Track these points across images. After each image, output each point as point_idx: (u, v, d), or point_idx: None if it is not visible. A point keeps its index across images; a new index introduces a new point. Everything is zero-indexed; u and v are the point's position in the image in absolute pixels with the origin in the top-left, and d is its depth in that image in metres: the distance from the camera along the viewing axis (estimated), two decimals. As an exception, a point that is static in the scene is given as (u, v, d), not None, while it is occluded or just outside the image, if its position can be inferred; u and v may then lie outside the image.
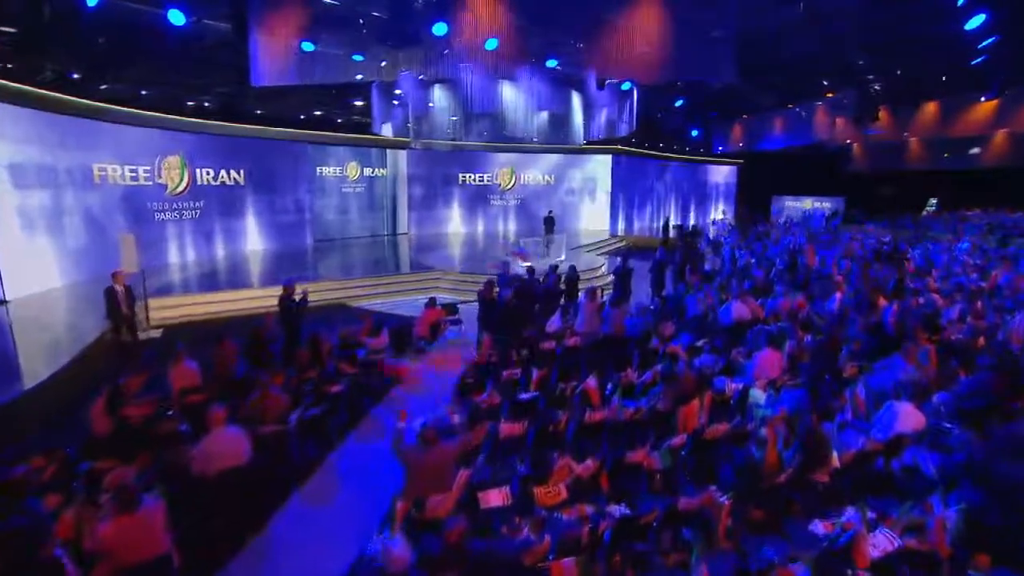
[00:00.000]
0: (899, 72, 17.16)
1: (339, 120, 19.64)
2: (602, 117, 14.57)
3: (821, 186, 29.57)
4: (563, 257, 16.29)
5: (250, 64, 8.49)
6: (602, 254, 20.09)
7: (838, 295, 9.63)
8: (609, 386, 6.40)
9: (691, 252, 13.70)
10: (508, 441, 5.10)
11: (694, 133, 24.38)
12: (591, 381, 6.08)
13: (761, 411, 5.60)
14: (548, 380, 6.68)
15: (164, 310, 10.68)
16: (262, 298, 11.94)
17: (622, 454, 4.60)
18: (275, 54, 8.46)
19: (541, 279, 9.72)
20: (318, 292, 12.52)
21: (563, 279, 10.18)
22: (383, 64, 10.62)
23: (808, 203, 31.15)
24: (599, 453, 4.66)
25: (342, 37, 9.94)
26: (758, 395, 5.77)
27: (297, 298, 8.21)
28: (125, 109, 12.92)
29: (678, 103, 17.29)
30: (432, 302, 8.88)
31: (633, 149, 24.71)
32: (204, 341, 9.96)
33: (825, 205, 30.42)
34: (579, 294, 10.12)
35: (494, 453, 4.91)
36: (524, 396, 5.77)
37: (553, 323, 8.21)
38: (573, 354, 7.44)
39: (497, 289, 8.20)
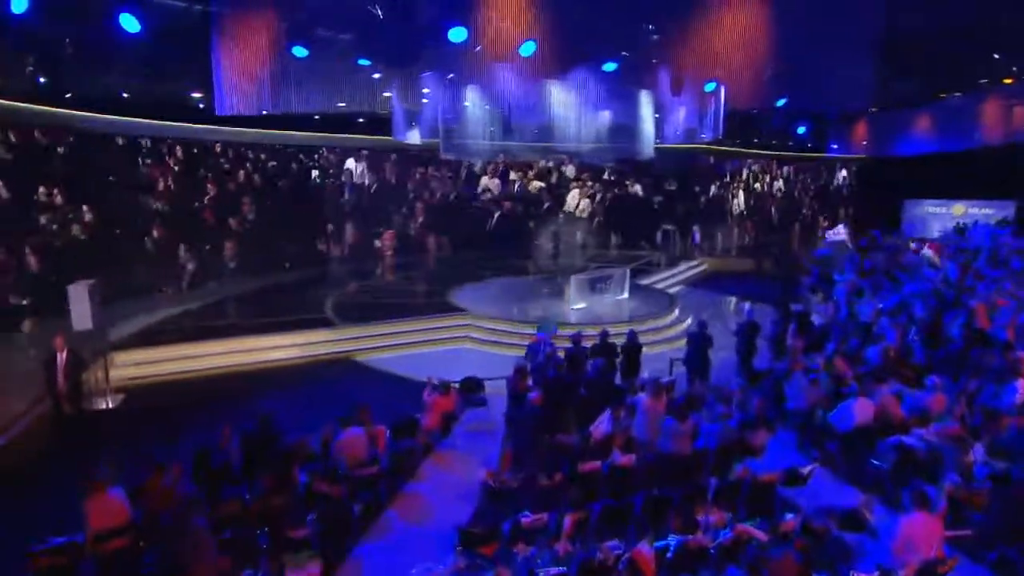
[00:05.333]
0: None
1: (360, 120, 19.40)
2: (679, 120, 13.40)
3: (980, 186, 24.14)
4: (626, 295, 15.17)
5: (213, 86, 8.00)
6: (675, 285, 18.70)
7: (1021, 385, 7.78)
8: (671, 546, 5.33)
9: (790, 299, 12.16)
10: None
11: (801, 130, 22.44)
12: (644, 548, 5.04)
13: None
14: (585, 528, 5.69)
15: (131, 368, 10.47)
16: (253, 351, 11.62)
17: None
18: (250, 66, 7.90)
19: (588, 350, 8.69)
20: (316, 346, 12.09)
21: (619, 349, 9.12)
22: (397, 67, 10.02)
23: (960, 208, 26.62)
24: None
25: (345, 37, 9.37)
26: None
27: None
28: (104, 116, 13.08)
29: (780, 102, 15.72)
30: (445, 387, 8.05)
31: (720, 148, 23.13)
32: (174, 410, 9.80)
33: (985, 211, 25.86)
34: (639, 373, 9.04)
35: None
36: (548, 573, 4.79)
37: (601, 424, 7.15)
38: (625, 480, 6.38)
39: (528, 382, 7.26)
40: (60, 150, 14.17)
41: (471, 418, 8.87)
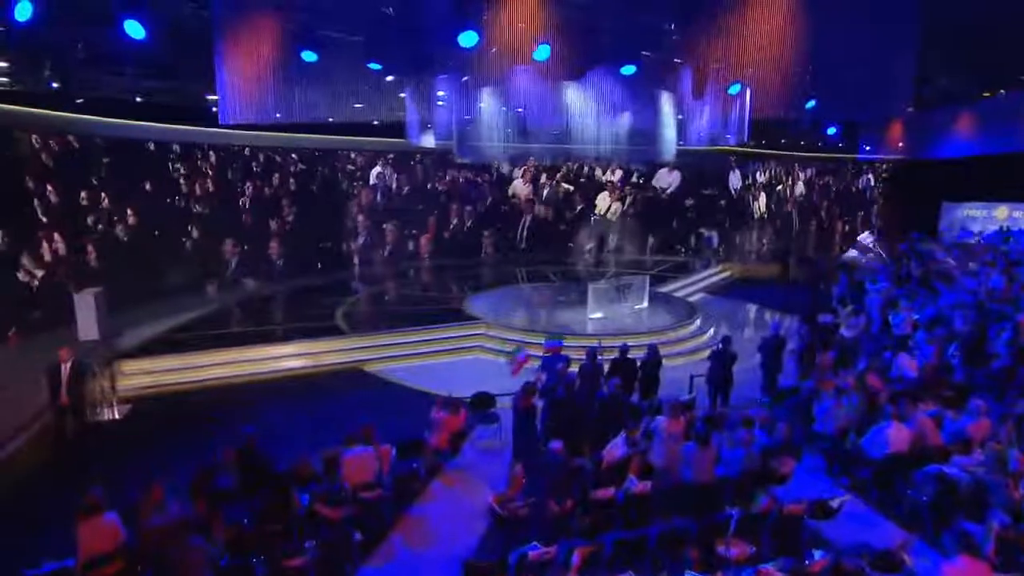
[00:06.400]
0: None
1: (375, 122, 19.27)
2: (702, 122, 13.06)
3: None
4: (645, 304, 14.81)
5: (216, 93, 7.94)
6: (697, 293, 18.28)
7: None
8: (690, 587, 5.06)
9: (819, 310, 11.73)
10: None
11: (831, 131, 21.84)
12: (660, 587, 4.80)
13: None
14: (596, 561, 5.45)
15: (143, 376, 10.43)
16: (265, 360, 11.54)
17: None
18: (254, 73, 7.82)
19: (605, 370, 8.42)
20: (328, 355, 12.00)
21: (639, 365, 8.84)
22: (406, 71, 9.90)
23: (1003, 211, 25.36)
24: None
25: (355, 39, 9.25)
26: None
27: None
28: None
29: (809, 104, 15.19)
30: (455, 405, 7.82)
31: (745, 149, 22.66)
32: (180, 422, 9.70)
33: None
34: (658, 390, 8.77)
35: None
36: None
37: (615, 447, 6.88)
38: (639, 509, 6.12)
39: (536, 399, 7.02)
40: (106, 160, 14.74)
41: (482, 435, 8.66)
